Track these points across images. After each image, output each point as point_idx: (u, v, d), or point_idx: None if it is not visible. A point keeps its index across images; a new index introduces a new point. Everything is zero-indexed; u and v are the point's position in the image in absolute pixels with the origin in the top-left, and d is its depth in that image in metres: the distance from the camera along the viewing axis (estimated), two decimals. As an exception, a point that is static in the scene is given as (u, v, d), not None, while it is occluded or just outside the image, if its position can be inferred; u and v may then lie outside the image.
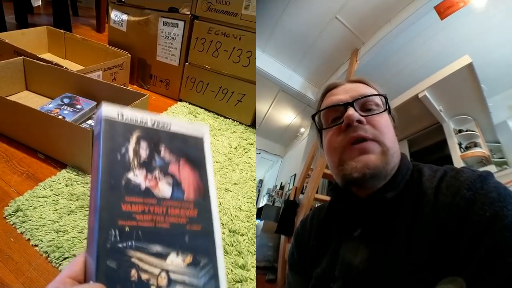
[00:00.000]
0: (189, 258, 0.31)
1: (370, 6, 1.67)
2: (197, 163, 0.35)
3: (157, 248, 0.29)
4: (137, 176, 0.31)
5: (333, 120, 0.46)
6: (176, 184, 0.33)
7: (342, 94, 0.46)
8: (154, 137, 0.33)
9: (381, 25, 1.79)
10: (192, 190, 0.33)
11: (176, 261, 0.30)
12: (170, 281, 0.29)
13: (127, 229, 0.28)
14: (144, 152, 0.32)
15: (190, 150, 0.35)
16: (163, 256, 0.29)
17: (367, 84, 0.49)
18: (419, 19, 1.65)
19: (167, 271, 0.29)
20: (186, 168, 0.34)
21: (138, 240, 0.29)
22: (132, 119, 0.33)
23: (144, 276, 0.28)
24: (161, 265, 0.29)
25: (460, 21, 1.62)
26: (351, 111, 0.42)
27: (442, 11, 1.62)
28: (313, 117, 0.50)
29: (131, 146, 0.31)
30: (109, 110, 0.32)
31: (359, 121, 0.42)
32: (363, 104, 0.44)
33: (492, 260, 0.30)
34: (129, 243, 0.28)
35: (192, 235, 0.32)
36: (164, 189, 0.32)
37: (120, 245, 0.28)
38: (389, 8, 1.68)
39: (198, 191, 0.34)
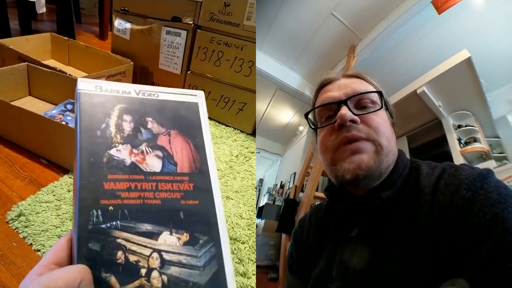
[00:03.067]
0: (185, 236, 0.28)
1: (366, 1, 1.66)
2: (192, 133, 0.32)
3: (146, 226, 0.27)
4: (121, 152, 0.28)
5: (326, 119, 0.45)
6: (167, 157, 0.30)
7: (335, 91, 0.45)
8: (140, 108, 0.31)
9: (378, 20, 1.77)
10: (187, 162, 0.31)
11: (169, 240, 0.27)
12: (163, 261, 0.27)
13: (111, 208, 0.26)
14: (128, 126, 0.30)
15: (183, 119, 0.32)
16: (154, 235, 0.27)
17: (363, 79, 0.47)
18: (417, 14, 1.64)
19: (159, 251, 0.27)
20: (179, 139, 0.31)
21: (124, 219, 0.27)
22: (113, 90, 0.30)
23: (132, 258, 0.26)
24: (152, 245, 0.27)
25: (458, 15, 1.60)
26: (344, 110, 0.41)
27: (440, 6, 1.61)
28: (306, 115, 0.49)
29: (113, 120, 0.29)
30: (85, 83, 0.29)
31: (353, 121, 0.41)
32: (358, 102, 0.43)
33: (492, 264, 0.29)
34: (114, 223, 0.26)
35: (188, 211, 0.29)
36: (153, 163, 0.29)
37: (103, 226, 0.26)
38: (386, 3, 1.66)
39: (193, 163, 0.31)
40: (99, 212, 0.26)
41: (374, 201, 0.41)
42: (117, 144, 0.29)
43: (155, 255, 0.27)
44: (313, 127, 0.48)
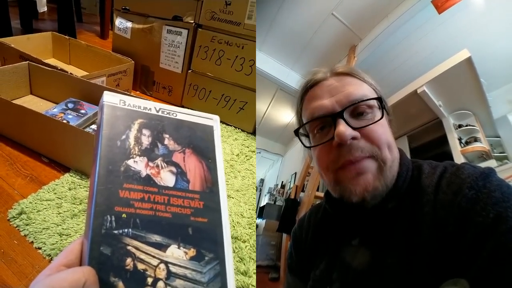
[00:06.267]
0: (192, 252, 0.29)
1: (366, 1, 1.66)
2: (205, 153, 0.33)
3: (156, 237, 0.28)
4: (137, 163, 0.30)
5: (320, 130, 0.42)
6: (181, 174, 0.31)
7: (326, 98, 0.41)
8: (158, 125, 0.32)
9: (378, 20, 1.78)
10: (199, 181, 0.32)
11: (177, 253, 0.28)
12: (169, 273, 0.27)
13: (124, 216, 0.27)
14: (146, 140, 0.31)
15: (198, 140, 0.33)
16: (162, 247, 0.28)
17: (356, 77, 0.43)
18: (417, 14, 1.64)
19: (167, 263, 0.28)
20: (193, 158, 0.32)
21: (135, 228, 0.27)
22: (135, 105, 0.32)
23: (141, 266, 0.27)
24: (160, 256, 0.28)
25: (458, 15, 1.60)
26: (342, 127, 0.38)
27: (440, 5, 1.61)
28: (296, 132, 0.45)
29: (132, 133, 0.31)
30: (111, 96, 0.32)
31: (353, 138, 0.38)
32: (354, 109, 0.40)
33: (495, 263, 0.29)
34: (126, 231, 0.27)
35: (197, 228, 0.30)
36: (167, 178, 0.30)
37: (115, 232, 0.27)
38: (386, 3, 1.67)
39: (205, 182, 0.32)
40: (113, 218, 0.27)
41: (378, 213, 0.40)
42: (134, 156, 0.30)
43: (162, 266, 0.27)
44: (306, 145, 0.45)
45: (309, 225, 0.53)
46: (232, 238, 0.95)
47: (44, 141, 1.13)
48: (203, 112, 0.35)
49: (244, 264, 0.87)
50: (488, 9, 1.54)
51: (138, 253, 0.27)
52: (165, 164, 0.31)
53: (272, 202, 2.79)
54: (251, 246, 0.94)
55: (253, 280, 0.83)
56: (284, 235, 1.95)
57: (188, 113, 0.34)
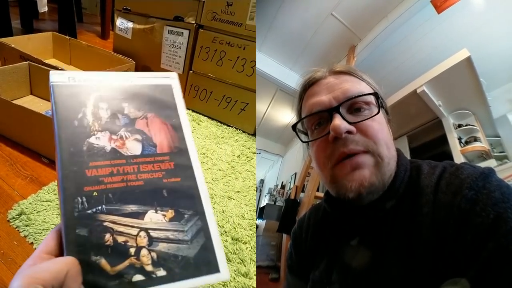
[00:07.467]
0: (170, 213, 0.29)
1: (366, 1, 1.67)
2: (168, 114, 0.33)
3: (132, 207, 0.28)
4: (100, 139, 0.29)
5: (317, 126, 0.42)
6: (146, 140, 0.31)
7: (323, 94, 0.41)
8: (116, 95, 0.32)
9: (377, 20, 1.78)
10: (166, 142, 0.32)
11: (155, 217, 0.29)
12: (151, 239, 0.28)
13: (95, 194, 0.28)
14: (104, 113, 0.31)
15: (158, 102, 0.33)
16: (140, 215, 0.28)
17: (353, 75, 0.43)
18: (416, 14, 1.65)
19: (146, 230, 0.28)
20: (156, 121, 0.33)
21: (109, 203, 0.28)
22: (87, 79, 0.31)
23: (121, 239, 0.27)
24: (139, 224, 0.28)
25: (458, 14, 1.60)
26: (337, 120, 0.38)
27: (439, 5, 1.62)
28: (294, 127, 0.45)
29: (89, 109, 0.30)
30: (57, 75, 0.30)
31: (348, 131, 0.38)
32: (351, 105, 0.40)
33: (495, 265, 0.29)
34: (99, 208, 0.27)
35: (171, 189, 0.30)
36: (133, 147, 0.31)
37: (89, 211, 0.27)
38: (386, 3, 1.67)
39: (172, 143, 0.32)
40: (84, 199, 0.27)
41: (377, 213, 0.40)
42: (96, 132, 0.30)
43: (142, 233, 0.28)
44: (303, 140, 0.44)
45: (308, 225, 0.52)
46: (233, 239, 0.95)
47: (44, 142, 1.13)
48: (159, 72, 0.35)
49: (245, 266, 0.87)
50: (488, 8, 1.54)
51: (116, 227, 0.27)
52: (129, 134, 0.31)
53: (272, 203, 2.79)
54: (252, 248, 0.94)
55: (253, 282, 0.83)
56: (285, 236, 1.95)
57: (144, 76, 0.34)
